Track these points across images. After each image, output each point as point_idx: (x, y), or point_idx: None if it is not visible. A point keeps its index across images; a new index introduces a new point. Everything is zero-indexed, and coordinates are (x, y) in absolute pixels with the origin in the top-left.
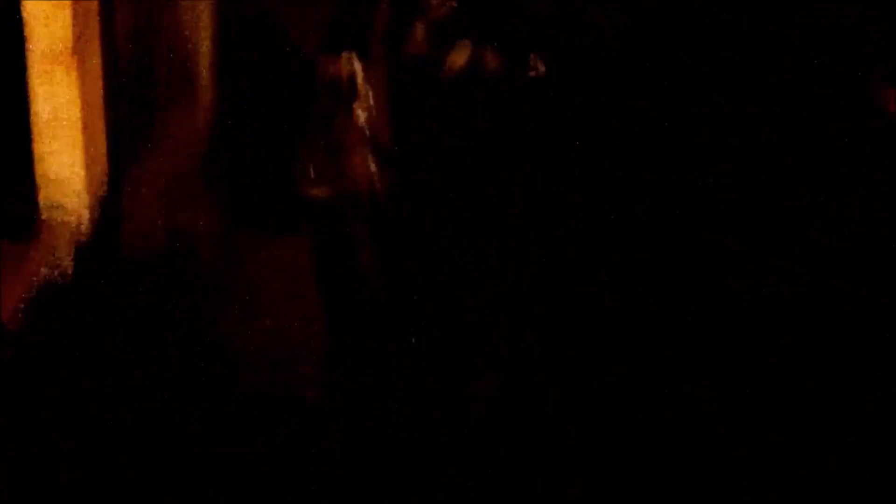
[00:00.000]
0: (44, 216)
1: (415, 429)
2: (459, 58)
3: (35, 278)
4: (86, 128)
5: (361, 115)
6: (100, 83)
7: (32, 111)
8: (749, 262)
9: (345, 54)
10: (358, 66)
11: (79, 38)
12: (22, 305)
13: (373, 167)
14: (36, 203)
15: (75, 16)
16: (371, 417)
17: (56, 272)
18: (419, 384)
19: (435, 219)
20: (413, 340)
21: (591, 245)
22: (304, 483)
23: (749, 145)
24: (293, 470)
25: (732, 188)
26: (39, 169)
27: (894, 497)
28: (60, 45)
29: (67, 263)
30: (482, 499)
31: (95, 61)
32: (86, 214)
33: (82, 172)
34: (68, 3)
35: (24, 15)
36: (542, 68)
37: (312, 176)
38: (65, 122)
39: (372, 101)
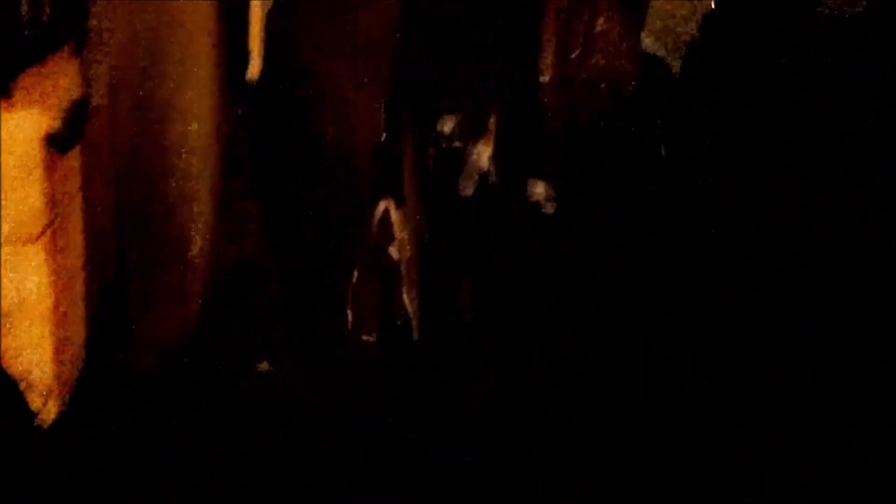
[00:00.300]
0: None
1: (415, 429)
2: (467, 188)
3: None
4: (58, 314)
5: (398, 257)
6: (79, 258)
7: None
8: (749, 262)
9: (381, 202)
10: (393, 211)
11: (53, 214)
12: None
13: (413, 305)
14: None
15: (50, 187)
16: (371, 417)
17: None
18: (419, 384)
19: (437, 219)
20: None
21: (592, 245)
22: (304, 483)
23: (749, 145)
24: (293, 470)
25: (733, 188)
26: (3, 362)
27: (894, 497)
28: (31, 222)
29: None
30: (482, 499)
31: (75, 236)
32: (57, 401)
33: (51, 365)
34: (41, 174)
35: None
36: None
37: (355, 322)
38: (33, 310)
39: (408, 244)
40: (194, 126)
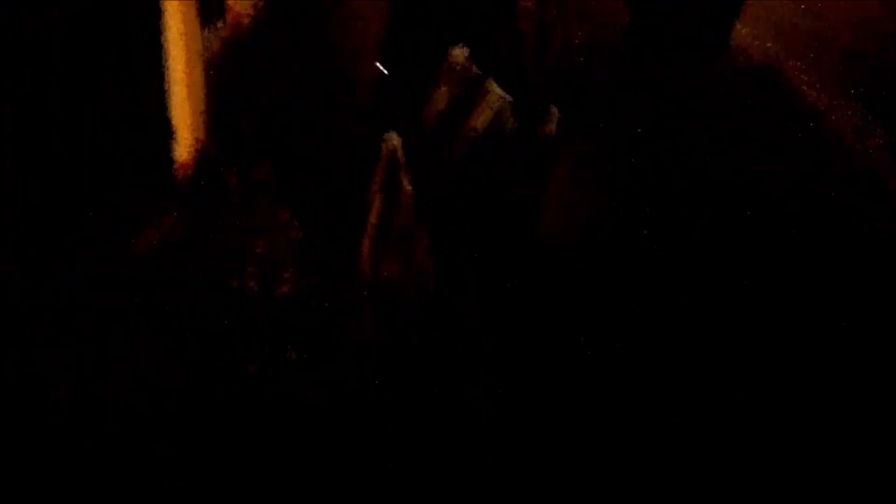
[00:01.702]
0: None
1: (414, 429)
2: (480, 119)
3: None
4: None
5: (409, 190)
6: None
7: None
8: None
9: (386, 134)
10: (398, 143)
11: None
12: None
13: (425, 242)
14: None
15: None
16: (373, 417)
17: None
18: (419, 384)
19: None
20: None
21: (590, 245)
22: (305, 482)
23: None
24: (294, 469)
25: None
26: None
27: (894, 497)
28: None
29: None
30: (482, 498)
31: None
32: None
33: None
34: None
35: None
36: (553, 126)
37: (372, 257)
38: None
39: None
40: None
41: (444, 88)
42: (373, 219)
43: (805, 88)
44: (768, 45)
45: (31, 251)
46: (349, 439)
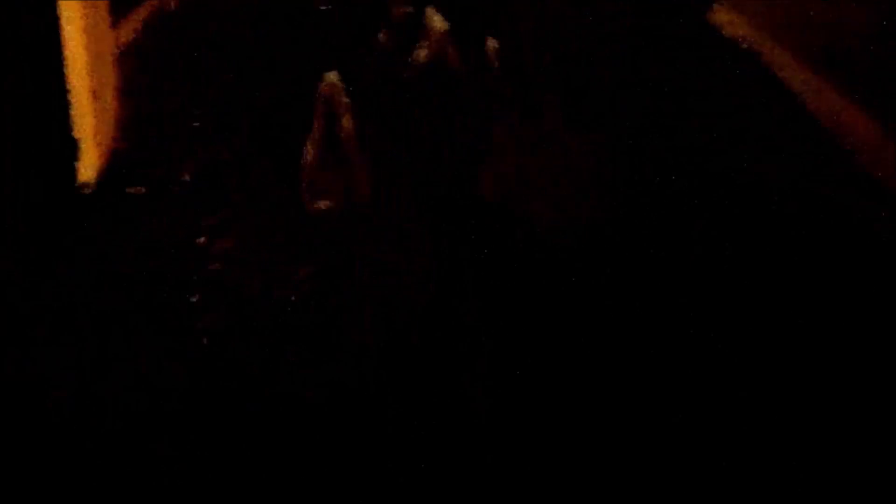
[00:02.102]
0: None
1: (415, 429)
2: (422, 54)
3: None
4: None
5: (348, 128)
6: None
7: None
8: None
9: (327, 74)
10: (339, 84)
11: None
12: None
13: (364, 176)
14: None
15: None
16: (374, 417)
17: None
18: (420, 384)
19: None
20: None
21: (589, 244)
22: (305, 482)
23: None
24: (293, 470)
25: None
26: None
27: (894, 497)
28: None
29: None
30: (482, 498)
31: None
32: None
33: None
34: None
35: None
36: (495, 60)
37: (314, 189)
38: None
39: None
40: None
41: (384, 31)
42: (310, 156)
43: (805, 88)
44: (769, 44)
45: (31, 251)
46: (349, 439)
